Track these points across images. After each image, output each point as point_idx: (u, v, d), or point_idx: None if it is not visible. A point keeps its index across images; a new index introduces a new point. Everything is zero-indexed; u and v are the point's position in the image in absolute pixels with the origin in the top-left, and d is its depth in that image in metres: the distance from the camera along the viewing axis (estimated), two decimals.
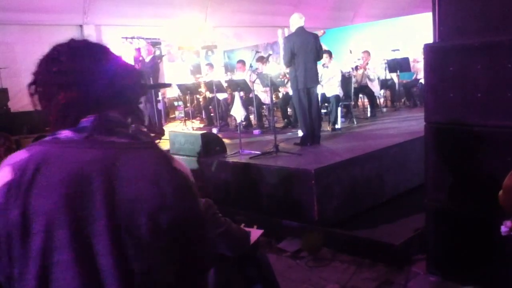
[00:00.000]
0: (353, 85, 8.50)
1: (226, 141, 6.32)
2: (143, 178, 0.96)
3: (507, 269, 2.85)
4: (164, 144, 7.07)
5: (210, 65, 11.11)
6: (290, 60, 5.79)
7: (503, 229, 1.43)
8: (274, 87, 7.47)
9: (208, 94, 9.59)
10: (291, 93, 8.21)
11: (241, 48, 14.33)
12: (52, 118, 1.02)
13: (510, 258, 2.85)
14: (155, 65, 8.30)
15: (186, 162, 5.69)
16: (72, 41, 1.06)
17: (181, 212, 1.00)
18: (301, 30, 5.89)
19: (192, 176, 1.11)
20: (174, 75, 13.62)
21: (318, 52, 5.92)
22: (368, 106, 9.12)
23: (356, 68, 9.16)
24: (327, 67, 7.63)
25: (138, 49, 9.07)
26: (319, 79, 7.30)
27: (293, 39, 5.84)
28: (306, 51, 5.76)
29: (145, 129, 1.14)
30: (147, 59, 8.24)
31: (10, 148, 3.31)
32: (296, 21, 5.91)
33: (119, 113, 1.06)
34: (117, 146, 1.00)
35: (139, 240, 0.94)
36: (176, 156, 6.06)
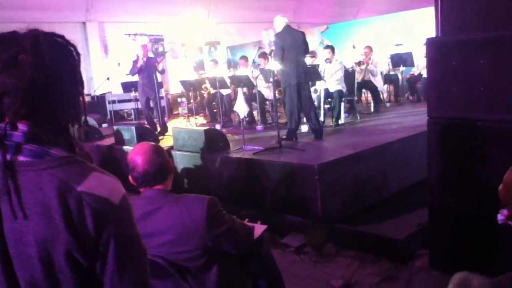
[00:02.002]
0: (356, 80, 8.49)
1: (229, 137, 6.33)
2: (31, 206, 0.91)
3: (508, 265, 2.85)
4: (167, 140, 7.10)
5: (215, 61, 11.12)
6: (283, 57, 5.91)
7: (500, 217, 1.43)
8: (277, 83, 7.47)
9: (212, 90, 9.59)
10: None
11: (244, 44, 14.31)
12: None
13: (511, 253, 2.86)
14: (149, 64, 8.32)
15: (189, 159, 5.74)
16: None
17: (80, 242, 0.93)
18: (289, 27, 6.10)
19: (121, 194, 1.00)
20: (178, 72, 13.63)
21: (306, 48, 6.13)
22: (372, 101, 9.10)
23: (359, 63, 9.14)
24: (330, 62, 7.61)
25: (143, 46, 9.05)
26: (322, 74, 7.33)
27: (284, 37, 5.98)
28: (296, 47, 5.91)
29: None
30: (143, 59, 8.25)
31: None
32: (281, 20, 6.11)
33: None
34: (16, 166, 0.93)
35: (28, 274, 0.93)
36: (179, 153, 6.04)
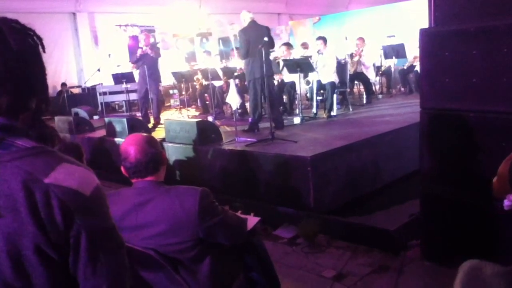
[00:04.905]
0: (349, 72, 8.48)
1: (221, 128, 6.32)
2: None
3: (503, 255, 2.87)
4: (159, 132, 7.07)
5: (208, 52, 11.07)
6: (247, 52, 6.12)
7: (506, 202, 1.42)
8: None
9: (204, 82, 9.56)
10: (286, 80, 8.21)
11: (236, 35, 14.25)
12: None
13: (505, 243, 2.88)
14: (158, 52, 8.25)
15: (181, 150, 5.72)
16: None
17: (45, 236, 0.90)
18: (254, 23, 6.32)
19: (92, 185, 0.97)
20: (169, 63, 13.55)
21: (271, 42, 6.32)
22: (364, 93, 9.11)
23: (351, 55, 9.13)
24: (322, 53, 7.60)
25: (133, 37, 8.96)
26: (314, 66, 7.31)
27: (248, 32, 6.19)
28: (260, 42, 6.04)
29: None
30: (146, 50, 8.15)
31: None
32: (247, 15, 6.34)
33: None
34: None
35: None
36: (171, 145, 6.03)
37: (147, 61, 8.03)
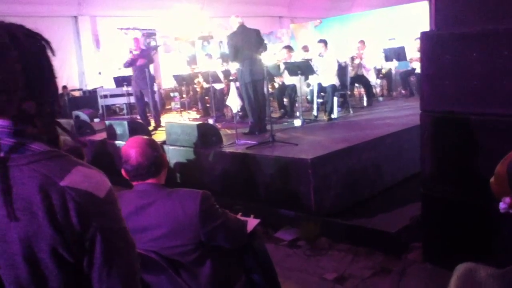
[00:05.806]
0: (349, 75, 8.48)
1: (222, 131, 6.33)
2: (13, 202, 0.88)
3: (504, 256, 2.87)
4: (160, 135, 7.07)
5: (209, 55, 11.10)
6: (236, 56, 6.19)
7: (502, 205, 1.42)
8: (270, 77, 7.46)
9: (205, 85, 9.58)
10: (287, 83, 8.23)
11: None
12: None
13: (506, 244, 2.87)
14: (148, 56, 8.31)
15: (182, 153, 5.72)
16: None
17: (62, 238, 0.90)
18: (242, 27, 6.33)
19: (106, 187, 0.97)
20: (170, 66, 13.57)
21: (262, 46, 6.31)
22: (364, 96, 9.11)
23: (352, 58, 9.14)
24: (323, 56, 7.60)
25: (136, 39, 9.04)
26: (315, 69, 7.32)
27: (236, 37, 6.25)
28: (249, 46, 6.13)
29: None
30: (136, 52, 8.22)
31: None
32: (235, 20, 6.36)
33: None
34: None
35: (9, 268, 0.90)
36: (172, 147, 6.02)
37: (138, 64, 8.11)
